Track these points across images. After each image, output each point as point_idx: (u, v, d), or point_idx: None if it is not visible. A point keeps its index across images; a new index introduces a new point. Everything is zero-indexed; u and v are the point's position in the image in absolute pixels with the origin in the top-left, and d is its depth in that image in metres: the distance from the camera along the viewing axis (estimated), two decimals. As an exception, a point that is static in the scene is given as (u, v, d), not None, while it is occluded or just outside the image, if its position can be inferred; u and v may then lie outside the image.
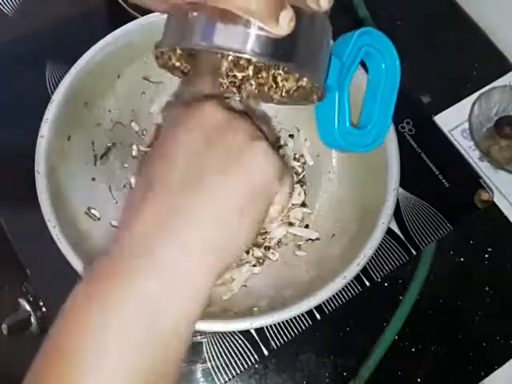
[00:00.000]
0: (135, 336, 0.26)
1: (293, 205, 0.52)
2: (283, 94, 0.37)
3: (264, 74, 0.36)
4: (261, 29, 0.30)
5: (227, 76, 0.36)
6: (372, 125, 0.40)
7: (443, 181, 0.54)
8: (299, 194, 0.53)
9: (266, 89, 0.37)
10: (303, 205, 0.52)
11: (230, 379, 0.47)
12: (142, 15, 0.48)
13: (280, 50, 0.31)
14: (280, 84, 0.36)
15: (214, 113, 0.32)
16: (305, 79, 0.36)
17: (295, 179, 0.54)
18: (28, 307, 0.47)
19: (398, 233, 0.52)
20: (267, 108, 0.52)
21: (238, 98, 0.37)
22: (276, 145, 0.54)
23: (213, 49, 0.31)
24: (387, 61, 0.39)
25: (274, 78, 0.36)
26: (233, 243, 0.30)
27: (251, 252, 0.50)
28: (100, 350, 0.25)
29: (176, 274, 0.27)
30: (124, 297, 0.26)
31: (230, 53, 0.30)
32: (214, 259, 0.29)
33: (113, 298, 0.26)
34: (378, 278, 0.50)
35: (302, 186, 0.53)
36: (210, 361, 0.47)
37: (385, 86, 0.40)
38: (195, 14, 0.31)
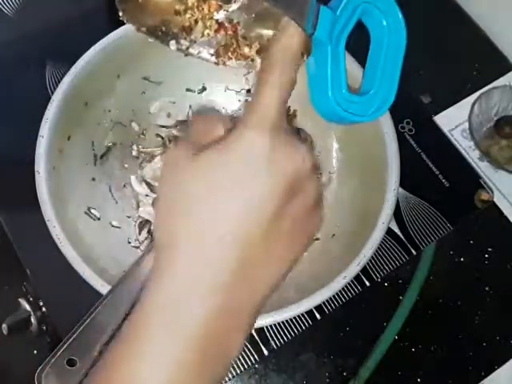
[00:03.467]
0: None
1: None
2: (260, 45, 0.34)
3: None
4: None
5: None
6: (374, 90, 0.36)
7: (443, 181, 0.54)
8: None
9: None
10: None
11: (229, 379, 0.47)
12: (142, 15, 0.47)
13: None
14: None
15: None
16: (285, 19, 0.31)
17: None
18: (28, 307, 0.47)
19: (398, 233, 0.52)
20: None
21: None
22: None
23: None
24: (389, 19, 0.36)
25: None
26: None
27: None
28: None
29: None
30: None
31: None
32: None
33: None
34: (378, 278, 0.50)
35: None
36: (209, 361, 0.47)
37: (388, 46, 0.36)
38: None
